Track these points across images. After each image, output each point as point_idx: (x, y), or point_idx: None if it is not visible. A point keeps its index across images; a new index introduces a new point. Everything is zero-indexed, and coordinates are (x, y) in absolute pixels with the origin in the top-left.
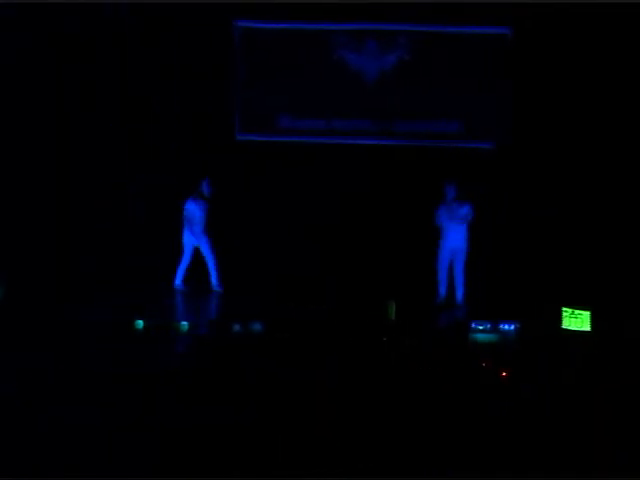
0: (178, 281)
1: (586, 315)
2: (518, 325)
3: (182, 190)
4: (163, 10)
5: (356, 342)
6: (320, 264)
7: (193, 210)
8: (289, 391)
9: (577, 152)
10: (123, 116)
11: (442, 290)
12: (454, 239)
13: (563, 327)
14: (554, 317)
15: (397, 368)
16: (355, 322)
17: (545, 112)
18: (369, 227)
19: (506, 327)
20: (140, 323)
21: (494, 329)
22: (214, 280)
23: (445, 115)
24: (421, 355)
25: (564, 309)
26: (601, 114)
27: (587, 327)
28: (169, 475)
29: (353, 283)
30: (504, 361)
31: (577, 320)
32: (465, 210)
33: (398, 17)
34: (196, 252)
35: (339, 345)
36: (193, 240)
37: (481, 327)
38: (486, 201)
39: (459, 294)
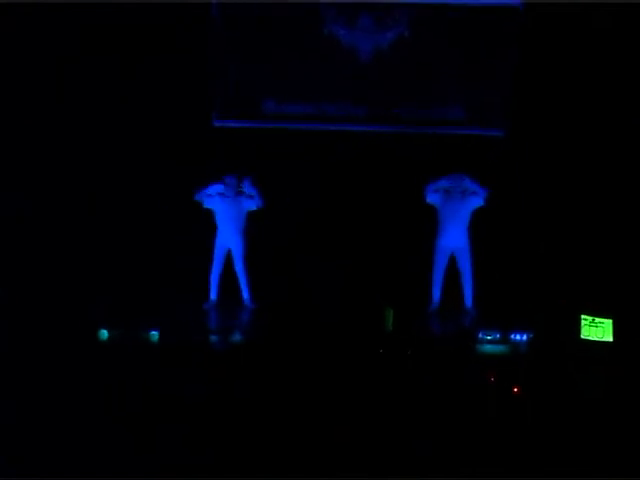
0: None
1: (608, 324)
2: (531, 335)
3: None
4: None
5: (348, 356)
6: (306, 265)
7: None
8: (270, 414)
9: (601, 142)
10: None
11: (436, 295)
12: (455, 237)
13: (582, 337)
14: (572, 326)
15: (395, 384)
16: (346, 333)
17: (561, 97)
18: (362, 223)
19: (518, 337)
20: (104, 333)
21: (504, 339)
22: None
23: (449, 99)
24: (422, 369)
25: (583, 317)
26: (625, 98)
27: (609, 337)
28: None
29: (345, 286)
30: (515, 376)
31: (598, 329)
32: (474, 201)
33: None
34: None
35: (328, 360)
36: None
37: (489, 337)
38: (494, 194)
39: (466, 299)
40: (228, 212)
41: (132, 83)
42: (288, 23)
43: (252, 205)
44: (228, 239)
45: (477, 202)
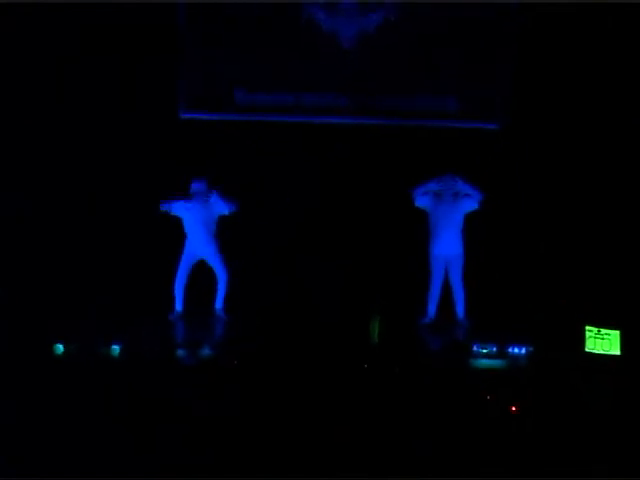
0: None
1: (615, 335)
2: (531, 348)
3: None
4: None
5: (329, 371)
6: (284, 273)
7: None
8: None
9: (605, 139)
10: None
11: (432, 308)
12: (448, 244)
13: (587, 350)
14: (575, 338)
15: (381, 404)
16: (327, 345)
17: (560, 90)
18: (345, 228)
19: (516, 350)
20: (60, 347)
21: (501, 353)
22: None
23: (439, 89)
24: (411, 386)
25: (588, 328)
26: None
27: (616, 350)
28: None
29: (326, 295)
30: (514, 393)
31: (604, 341)
32: (467, 204)
33: None
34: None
35: (306, 377)
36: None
37: (485, 351)
38: (488, 195)
39: (459, 310)
40: (198, 218)
41: (93, 74)
42: (262, 5)
43: (224, 209)
44: (199, 247)
45: (471, 205)
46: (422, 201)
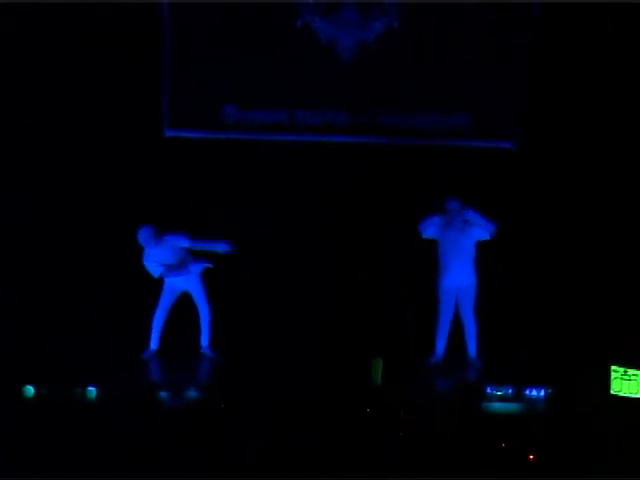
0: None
1: None
2: (550, 390)
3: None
4: None
5: (327, 416)
6: (277, 307)
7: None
8: None
9: (628, 158)
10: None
11: (440, 346)
12: (459, 275)
13: (612, 393)
14: (600, 379)
15: (385, 451)
16: (326, 387)
17: (580, 106)
18: (344, 254)
19: (534, 393)
20: (30, 389)
21: (517, 396)
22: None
23: (447, 105)
24: (418, 433)
25: (614, 368)
26: None
27: None
28: None
29: (323, 334)
30: (531, 440)
31: (631, 383)
32: (477, 232)
33: None
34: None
35: (303, 422)
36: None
37: (500, 393)
38: (503, 221)
39: (470, 347)
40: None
41: (75, 87)
42: (254, 14)
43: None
44: (182, 282)
45: (481, 234)
46: (430, 231)
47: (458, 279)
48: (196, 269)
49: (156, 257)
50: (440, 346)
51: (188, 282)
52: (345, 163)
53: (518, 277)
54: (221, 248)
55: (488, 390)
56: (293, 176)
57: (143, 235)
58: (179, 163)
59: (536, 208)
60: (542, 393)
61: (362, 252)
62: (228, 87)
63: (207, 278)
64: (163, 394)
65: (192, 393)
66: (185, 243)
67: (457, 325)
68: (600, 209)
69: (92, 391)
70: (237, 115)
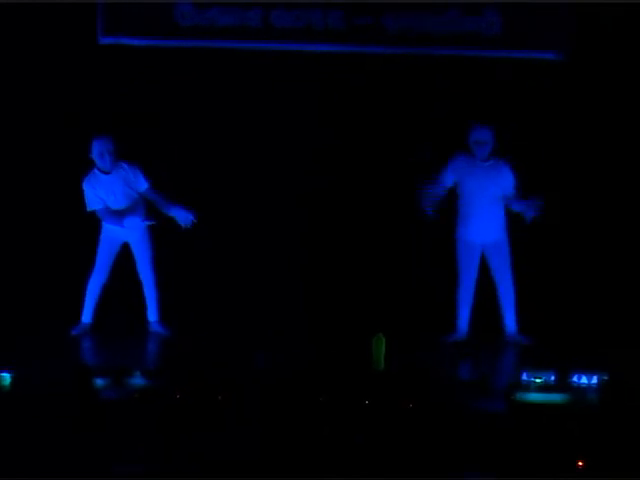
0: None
1: None
2: (604, 378)
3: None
4: None
5: (321, 409)
6: (248, 266)
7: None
8: None
9: None
10: None
11: (463, 319)
12: (485, 228)
13: None
14: None
15: (389, 453)
16: (318, 374)
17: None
18: (336, 205)
19: (583, 381)
20: None
21: (562, 384)
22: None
23: (471, 2)
24: (431, 431)
25: None
26: None
27: None
28: None
29: (306, 301)
30: (579, 439)
31: None
32: (508, 179)
33: None
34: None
35: (285, 417)
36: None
37: (539, 380)
38: (544, 158)
39: (508, 320)
40: (117, 189)
41: None
42: None
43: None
44: (123, 231)
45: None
46: (449, 179)
47: (484, 233)
48: (142, 224)
49: (102, 184)
50: (462, 320)
51: (132, 235)
52: (336, 80)
53: (565, 230)
54: (182, 217)
55: (524, 377)
56: (267, 97)
57: (99, 147)
58: (118, 78)
59: (588, 138)
60: (593, 381)
61: (360, 201)
62: None
63: (157, 231)
64: (99, 381)
65: (137, 380)
66: (143, 185)
67: (484, 292)
68: None
69: (5, 377)
70: (192, 16)
